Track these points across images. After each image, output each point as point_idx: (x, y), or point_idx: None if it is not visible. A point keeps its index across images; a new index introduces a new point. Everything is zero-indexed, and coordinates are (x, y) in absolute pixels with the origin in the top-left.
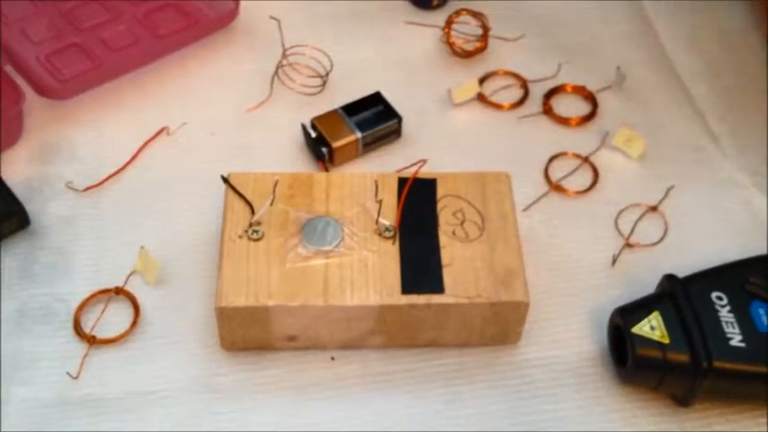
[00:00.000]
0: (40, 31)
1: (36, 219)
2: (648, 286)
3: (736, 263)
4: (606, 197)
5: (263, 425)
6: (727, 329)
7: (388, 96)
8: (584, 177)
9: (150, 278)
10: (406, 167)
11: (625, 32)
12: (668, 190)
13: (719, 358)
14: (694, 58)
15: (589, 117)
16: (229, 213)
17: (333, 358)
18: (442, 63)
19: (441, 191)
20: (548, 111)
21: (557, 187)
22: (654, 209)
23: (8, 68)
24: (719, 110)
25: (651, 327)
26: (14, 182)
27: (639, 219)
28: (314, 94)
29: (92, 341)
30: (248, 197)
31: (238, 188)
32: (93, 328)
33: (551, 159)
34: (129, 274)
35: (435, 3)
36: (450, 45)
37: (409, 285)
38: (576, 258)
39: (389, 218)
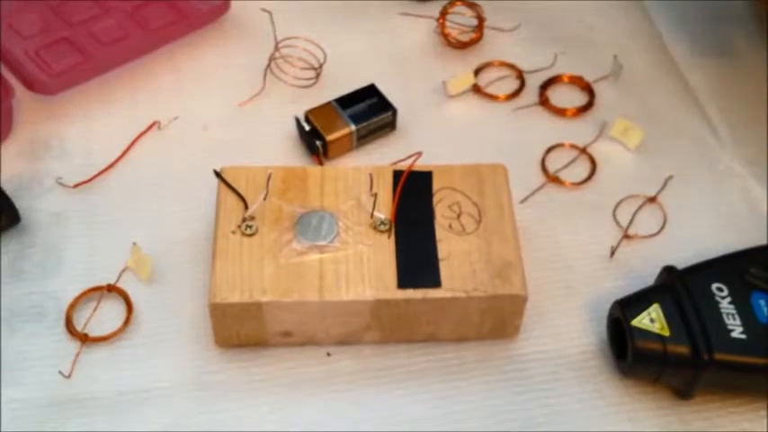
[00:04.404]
0: (29, 26)
1: (26, 215)
2: (647, 278)
3: (737, 254)
4: (604, 188)
5: (258, 422)
6: (727, 321)
7: (383, 88)
8: (581, 169)
9: (143, 275)
10: (402, 160)
11: (622, 22)
12: (666, 180)
13: (720, 350)
14: (692, 47)
15: (586, 108)
16: (222, 208)
17: (329, 354)
18: (436, 54)
19: (436, 184)
20: (544, 102)
21: (554, 179)
22: (652, 200)
23: None
24: (718, 100)
25: (651, 319)
26: (4, 178)
27: (638, 210)
28: (307, 86)
29: (84, 339)
30: (241, 192)
31: (231, 183)
32: (85, 326)
33: (548, 151)
34: (122, 271)
35: None
36: (445, 36)
37: (405, 280)
38: (574, 251)
39: (385, 211)
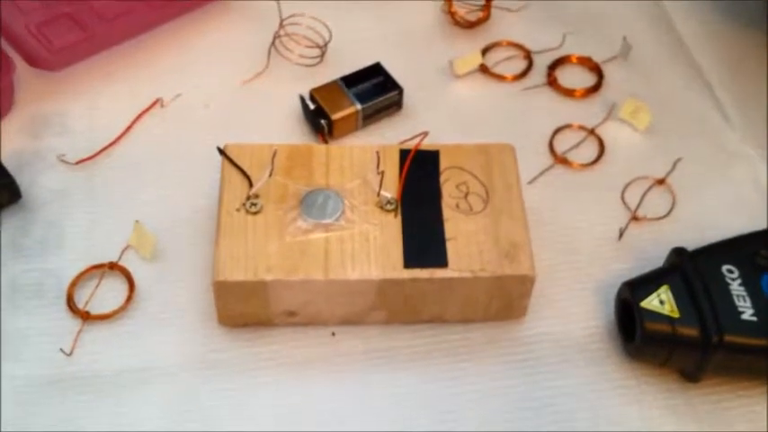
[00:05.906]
0: (30, 1)
1: (28, 192)
2: (656, 260)
3: (747, 236)
4: (612, 170)
5: (261, 402)
6: (738, 303)
7: (389, 67)
8: (589, 150)
9: (145, 253)
10: (408, 139)
11: (631, 2)
12: (675, 162)
13: (731, 332)
14: (701, 28)
15: (595, 88)
16: (226, 186)
17: (333, 334)
18: (443, 33)
19: (444, 163)
20: (552, 82)
21: (562, 160)
22: (661, 182)
23: None
24: (726, 81)
25: (660, 301)
26: (5, 154)
27: (646, 192)
28: (312, 65)
29: (86, 317)
30: (246, 169)
31: (235, 160)
32: (86, 303)
33: (556, 131)
34: (124, 249)
35: None
36: (452, 15)
37: (412, 259)
38: (582, 232)
39: (391, 190)
